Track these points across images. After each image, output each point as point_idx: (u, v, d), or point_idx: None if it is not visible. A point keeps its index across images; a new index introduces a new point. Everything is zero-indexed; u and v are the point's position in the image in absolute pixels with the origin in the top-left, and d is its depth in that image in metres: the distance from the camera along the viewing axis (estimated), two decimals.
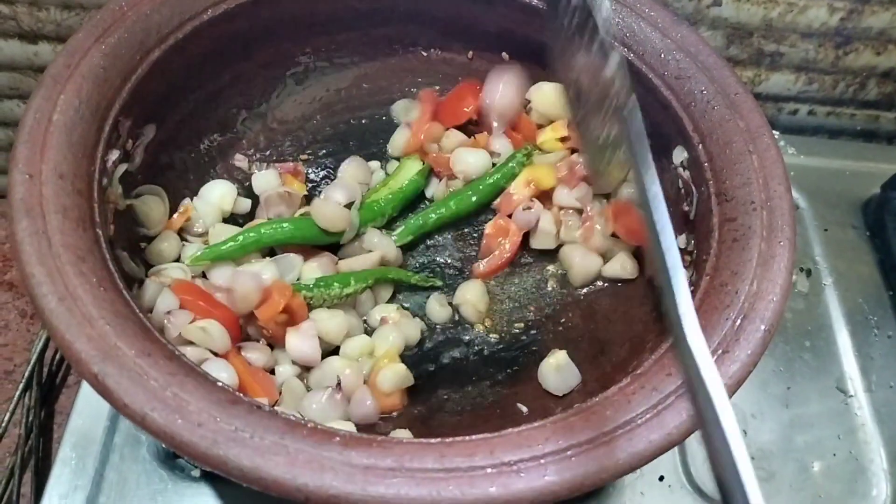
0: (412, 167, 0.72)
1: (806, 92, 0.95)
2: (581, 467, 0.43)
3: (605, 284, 0.68)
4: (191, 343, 0.56)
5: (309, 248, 0.66)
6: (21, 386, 0.87)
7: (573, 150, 0.72)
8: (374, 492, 0.41)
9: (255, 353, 0.59)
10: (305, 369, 0.62)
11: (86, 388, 0.68)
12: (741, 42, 0.88)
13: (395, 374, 0.60)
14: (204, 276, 0.62)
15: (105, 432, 0.65)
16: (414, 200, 0.73)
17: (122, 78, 0.57)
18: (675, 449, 0.60)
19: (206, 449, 0.41)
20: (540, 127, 0.74)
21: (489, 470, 0.43)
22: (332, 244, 0.67)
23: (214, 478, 0.63)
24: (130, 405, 0.42)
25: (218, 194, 0.67)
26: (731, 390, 0.47)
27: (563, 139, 0.71)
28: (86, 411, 0.66)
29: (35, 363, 0.89)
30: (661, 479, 0.69)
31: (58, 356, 0.94)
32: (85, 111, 0.54)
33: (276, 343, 0.61)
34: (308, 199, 0.70)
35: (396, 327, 0.64)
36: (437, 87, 0.76)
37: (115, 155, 0.56)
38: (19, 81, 0.92)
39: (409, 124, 0.74)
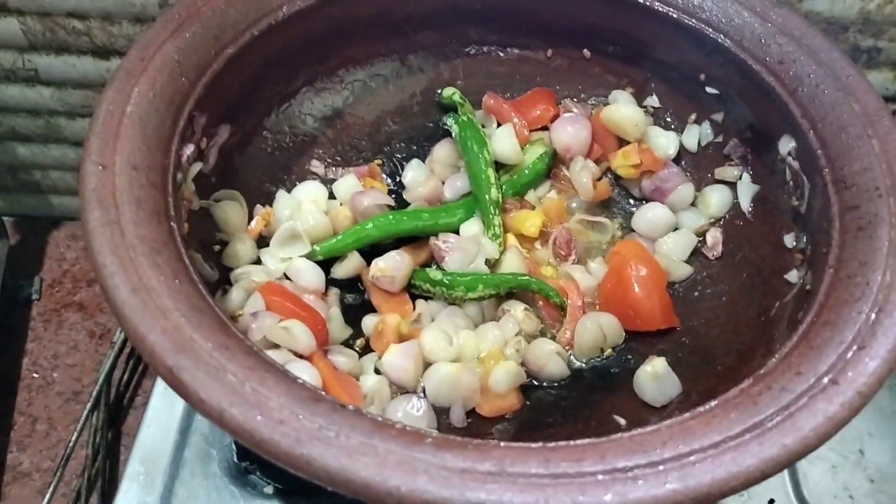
0: (535, 152, 0.69)
1: None
2: (707, 474, 0.38)
3: (707, 290, 0.63)
4: (276, 346, 0.53)
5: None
6: (88, 406, 0.86)
7: (646, 172, 0.67)
8: (473, 497, 0.37)
9: (342, 357, 0.56)
10: None
11: (155, 401, 0.65)
12: (836, 38, 0.83)
13: (507, 373, 0.56)
14: (287, 277, 0.60)
15: (174, 447, 0.62)
16: None
17: (197, 72, 0.55)
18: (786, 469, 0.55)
19: (289, 448, 0.37)
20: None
21: (601, 476, 0.38)
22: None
23: (287, 494, 0.60)
24: (207, 400, 0.39)
25: (313, 195, 0.65)
26: (873, 389, 0.41)
27: (636, 165, 0.67)
28: (155, 424, 0.63)
29: (103, 383, 0.88)
30: (772, 502, 0.63)
31: (125, 377, 0.92)
32: (159, 104, 0.52)
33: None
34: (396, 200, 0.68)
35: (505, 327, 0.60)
36: (511, 90, 0.73)
37: (189, 149, 0.54)
38: (92, 99, 0.92)
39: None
